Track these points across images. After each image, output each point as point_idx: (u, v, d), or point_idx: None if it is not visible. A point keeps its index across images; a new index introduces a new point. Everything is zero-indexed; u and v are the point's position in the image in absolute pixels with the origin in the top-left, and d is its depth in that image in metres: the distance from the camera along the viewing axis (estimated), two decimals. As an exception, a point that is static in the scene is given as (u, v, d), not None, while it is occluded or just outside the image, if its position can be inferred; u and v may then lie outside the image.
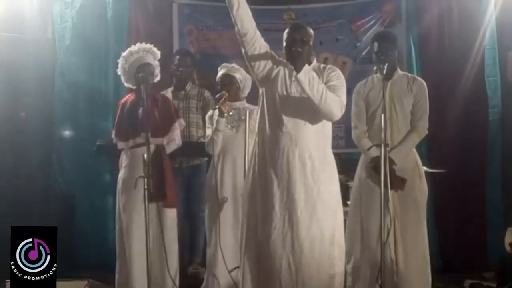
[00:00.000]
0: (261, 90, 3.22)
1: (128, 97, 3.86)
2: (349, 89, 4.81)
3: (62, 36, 4.97)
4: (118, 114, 3.84)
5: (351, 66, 5.17)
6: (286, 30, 3.18)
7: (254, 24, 3.04)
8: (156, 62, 3.85)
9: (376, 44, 3.63)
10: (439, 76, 4.87)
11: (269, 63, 3.15)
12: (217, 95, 3.80)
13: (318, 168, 3.10)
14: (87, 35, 5.02)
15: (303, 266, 3.03)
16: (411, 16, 5.05)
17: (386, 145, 3.22)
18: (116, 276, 3.77)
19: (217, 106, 3.73)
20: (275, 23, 4.92)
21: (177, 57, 4.68)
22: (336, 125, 5.10)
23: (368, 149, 3.52)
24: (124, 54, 3.85)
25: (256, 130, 3.22)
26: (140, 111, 3.64)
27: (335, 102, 3.06)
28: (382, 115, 3.24)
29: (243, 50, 3.11)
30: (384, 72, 3.42)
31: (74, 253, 4.74)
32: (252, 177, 3.18)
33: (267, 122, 3.14)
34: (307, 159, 3.08)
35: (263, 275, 3.07)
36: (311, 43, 3.14)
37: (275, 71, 3.15)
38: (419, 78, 3.80)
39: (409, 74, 3.84)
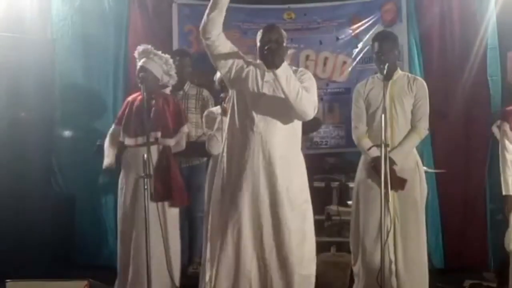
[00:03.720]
0: (231, 92, 3.23)
1: (138, 95, 3.87)
2: (349, 89, 4.90)
3: (61, 36, 4.96)
4: (126, 110, 3.87)
5: (351, 66, 5.17)
6: (260, 31, 3.18)
7: (220, 30, 3.03)
8: (164, 66, 3.86)
9: (376, 44, 3.62)
10: (441, 75, 4.87)
11: (238, 64, 3.14)
12: (221, 94, 3.80)
13: (288, 168, 3.11)
14: (86, 34, 5.01)
15: (272, 267, 3.04)
16: (411, 16, 5.04)
17: (386, 145, 3.22)
18: (118, 276, 3.77)
19: (224, 105, 3.72)
20: (275, 23, 4.91)
21: (176, 57, 4.66)
22: (336, 125, 5.20)
23: (369, 149, 3.51)
24: (136, 54, 3.90)
25: (226, 132, 3.22)
26: (153, 111, 3.65)
27: (309, 102, 3.07)
28: (383, 115, 3.23)
29: (208, 52, 3.11)
30: (385, 72, 3.41)
31: (74, 253, 4.74)
32: (221, 180, 3.16)
33: (237, 122, 3.14)
34: (277, 159, 3.08)
35: (233, 277, 3.06)
36: (285, 44, 3.14)
37: (245, 71, 3.15)
38: (419, 78, 3.81)
39: (409, 74, 3.85)
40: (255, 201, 3.06)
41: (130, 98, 3.93)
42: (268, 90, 3.12)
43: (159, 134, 3.73)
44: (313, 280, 3.18)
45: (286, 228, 3.06)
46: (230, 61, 3.13)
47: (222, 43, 3.08)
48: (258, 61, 3.17)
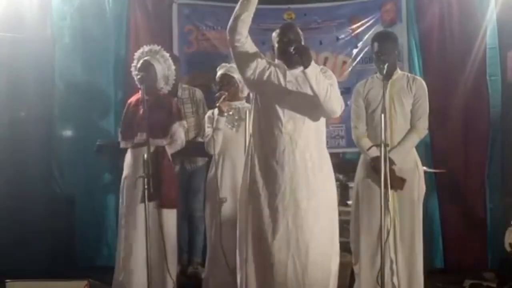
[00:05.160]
0: (253, 94, 3.22)
1: (135, 96, 3.87)
2: (349, 89, 4.89)
3: (61, 35, 4.96)
4: (124, 112, 3.86)
5: (351, 65, 5.17)
6: (278, 31, 3.18)
7: (247, 32, 3.04)
8: (166, 71, 3.86)
9: (376, 44, 3.62)
10: (441, 75, 4.87)
11: (260, 66, 3.13)
12: (217, 94, 3.81)
13: (318, 167, 3.11)
14: (86, 34, 5.01)
15: (309, 267, 3.03)
16: (411, 15, 5.04)
17: (386, 145, 3.22)
18: (114, 275, 3.77)
19: (217, 105, 3.74)
20: (275, 23, 4.89)
21: None
22: (336, 125, 5.20)
23: (368, 149, 3.51)
24: (135, 55, 3.88)
25: (251, 133, 3.20)
26: (141, 111, 3.65)
27: (337, 99, 3.09)
28: (382, 115, 3.23)
29: (232, 54, 3.10)
30: (384, 72, 3.41)
31: (74, 253, 4.74)
32: (250, 181, 3.15)
33: (263, 124, 3.12)
34: (308, 159, 3.08)
35: (268, 279, 3.05)
36: (302, 43, 3.14)
37: (267, 72, 3.13)
38: (418, 77, 3.80)
39: (409, 74, 3.85)
40: (290, 201, 3.05)
41: (129, 100, 3.92)
42: (292, 88, 3.12)
43: (144, 135, 3.63)
44: (337, 278, 3.17)
45: (320, 227, 3.07)
46: (254, 63, 3.11)
47: (249, 45, 3.07)
48: (277, 61, 3.18)
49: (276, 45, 3.17)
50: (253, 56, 3.10)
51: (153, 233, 3.57)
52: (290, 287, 3.03)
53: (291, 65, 3.10)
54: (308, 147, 3.10)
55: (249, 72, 3.12)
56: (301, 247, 3.03)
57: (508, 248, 4.02)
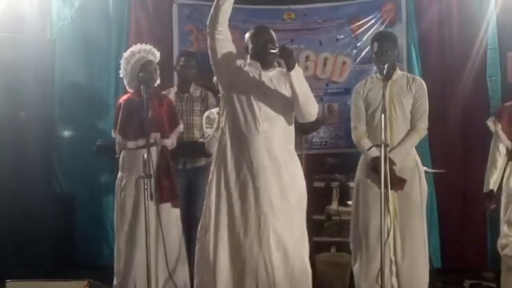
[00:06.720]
0: (226, 92, 3.21)
1: (129, 96, 3.86)
2: (349, 89, 4.90)
3: (61, 35, 4.96)
4: (121, 113, 3.84)
5: (351, 66, 5.17)
6: (252, 32, 3.19)
7: (227, 24, 3.05)
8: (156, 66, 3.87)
9: (376, 44, 3.63)
10: (440, 76, 4.88)
11: (237, 63, 3.15)
12: (219, 94, 3.81)
13: (290, 166, 3.16)
14: (86, 34, 5.01)
15: (281, 266, 3.05)
16: (411, 16, 5.05)
17: (386, 145, 3.22)
18: (114, 277, 3.77)
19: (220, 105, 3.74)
20: (275, 23, 4.92)
21: (183, 58, 4.65)
22: (336, 125, 5.21)
23: (368, 149, 3.51)
24: (125, 55, 3.86)
25: (226, 131, 3.19)
26: (150, 111, 3.65)
27: (315, 104, 3.16)
28: (382, 115, 3.24)
29: (211, 51, 3.10)
30: (384, 72, 3.42)
31: (74, 253, 4.74)
32: (222, 179, 3.14)
33: (238, 123, 3.12)
34: (280, 158, 3.11)
35: (237, 276, 3.06)
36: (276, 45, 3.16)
37: (244, 71, 3.15)
38: (418, 78, 3.81)
39: (409, 74, 3.85)
40: (262, 200, 3.06)
41: (121, 101, 3.91)
42: (267, 89, 3.13)
43: (158, 135, 3.73)
44: (310, 279, 3.19)
45: (292, 226, 3.09)
46: (230, 59, 3.12)
47: (228, 38, 3.08)
48: (250, 61, 3.18)
49: (250, 45, 3.18)
50: (230, 53, 3.11)
51: (158, 234, 3.60)
52: (261, 285, 3.04)
53: (265, 66, 3.13)
54: (281, 147, 3.13)
55: (223, 68, 3.13)
56: (273, 245, 3.05)
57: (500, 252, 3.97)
